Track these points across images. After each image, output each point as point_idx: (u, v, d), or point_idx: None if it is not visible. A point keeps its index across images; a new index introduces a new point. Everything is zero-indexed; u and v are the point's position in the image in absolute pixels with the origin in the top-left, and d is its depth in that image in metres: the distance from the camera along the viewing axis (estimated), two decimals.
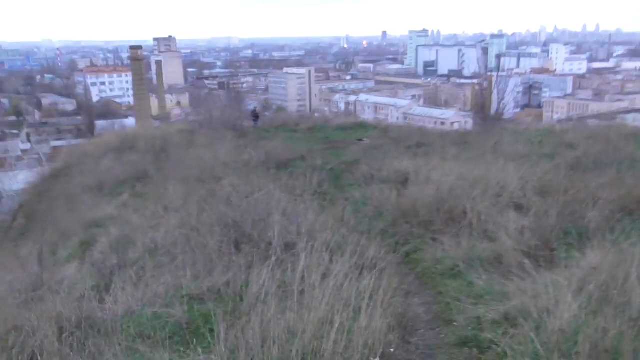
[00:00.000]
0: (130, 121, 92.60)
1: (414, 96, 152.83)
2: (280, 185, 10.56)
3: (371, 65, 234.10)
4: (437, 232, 8.37)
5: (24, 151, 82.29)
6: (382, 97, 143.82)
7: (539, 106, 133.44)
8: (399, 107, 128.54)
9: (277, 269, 6.28)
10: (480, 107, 24.17)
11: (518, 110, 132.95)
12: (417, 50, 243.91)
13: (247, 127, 22.61)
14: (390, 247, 8.20)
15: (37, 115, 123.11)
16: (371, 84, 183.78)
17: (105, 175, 13.41)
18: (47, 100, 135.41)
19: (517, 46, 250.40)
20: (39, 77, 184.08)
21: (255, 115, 25.78)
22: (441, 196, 9.18)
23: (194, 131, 21.12)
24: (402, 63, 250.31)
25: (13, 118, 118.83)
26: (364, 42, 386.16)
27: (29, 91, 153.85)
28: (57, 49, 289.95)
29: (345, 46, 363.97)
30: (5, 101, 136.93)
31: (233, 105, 23.75)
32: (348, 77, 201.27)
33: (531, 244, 7.40)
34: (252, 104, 28.64)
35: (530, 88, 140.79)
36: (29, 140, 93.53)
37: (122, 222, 8.57)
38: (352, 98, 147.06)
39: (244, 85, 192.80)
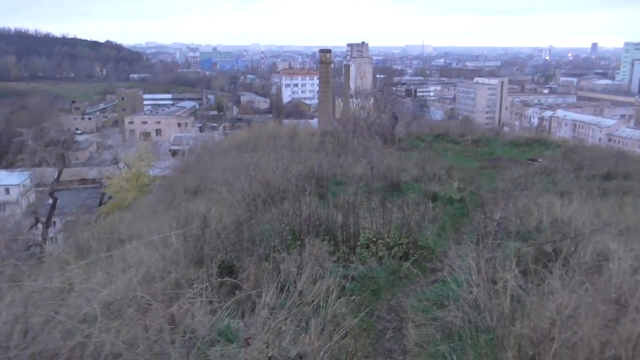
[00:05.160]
0: (315, 121, 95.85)
1: (623, 116, 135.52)
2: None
3: (575, 80, 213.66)
4: None
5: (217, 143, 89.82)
6: (584, 115, 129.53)
7: None
8: (603, 127, 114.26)
9: None
10: None
11: None
12: (632, 64, 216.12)
13: (398, 134, 19.96)
14: None
15: (235, 111, 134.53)
16: (572, 99, 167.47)
17: (206, 176, 11.95)
18: (245, 98, 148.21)
19: None
20: (242, 77, 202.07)
21: (394, 119, 22.50)
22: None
23: (328, 134, 19.18)
24: (613, 78, 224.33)
25: (215, 112, 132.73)
26: (569, 55, 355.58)
27: (232, 89, 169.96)
28: (262, 52, 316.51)
29: (547, 58, 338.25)
30: (211, 97, 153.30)
31: (389, 110, 21.28)
32: (545, 91, 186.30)
33: None
34: (399, 106, 25.38)
35: None
36: (224, 134, 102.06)
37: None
38: (548, 113, 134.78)
39: (431, 93, 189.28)
